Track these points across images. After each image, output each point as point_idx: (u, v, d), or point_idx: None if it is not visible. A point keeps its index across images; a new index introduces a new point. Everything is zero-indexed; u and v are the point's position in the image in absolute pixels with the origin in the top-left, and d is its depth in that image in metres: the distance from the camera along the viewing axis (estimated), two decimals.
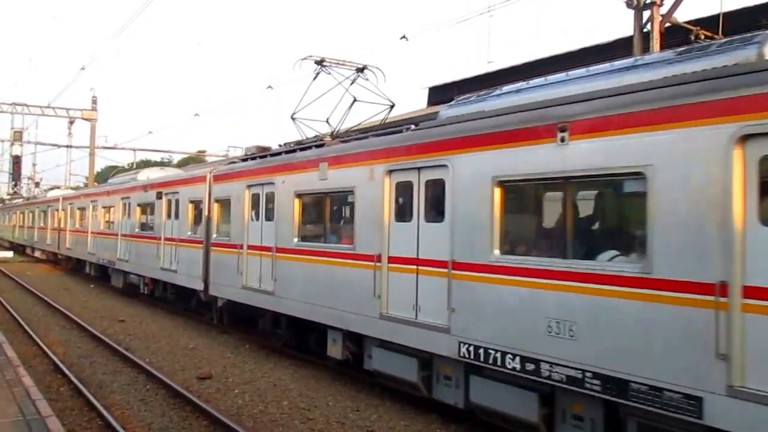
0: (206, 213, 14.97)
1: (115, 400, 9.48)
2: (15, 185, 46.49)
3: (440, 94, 20.68)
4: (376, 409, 9.08)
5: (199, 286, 15.10)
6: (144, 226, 19.51)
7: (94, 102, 42.47)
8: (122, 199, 21.16)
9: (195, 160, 45.43)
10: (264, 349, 13.04)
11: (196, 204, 15.73)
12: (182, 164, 48.94)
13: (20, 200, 48.48)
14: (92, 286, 24.67)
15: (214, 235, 14.58)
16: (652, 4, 8.24)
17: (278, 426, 8.37)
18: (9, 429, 6.96)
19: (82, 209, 26.83)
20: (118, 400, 9.45)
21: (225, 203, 14.14)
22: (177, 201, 16.73)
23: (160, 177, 19.81)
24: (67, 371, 10.75)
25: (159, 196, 17.75)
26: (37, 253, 38.48)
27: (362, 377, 10.39)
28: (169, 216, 17.21)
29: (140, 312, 18.09)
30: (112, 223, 22.34)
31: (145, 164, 52.67)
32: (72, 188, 45.42)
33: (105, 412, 8.51)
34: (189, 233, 15.86)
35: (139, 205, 19.72)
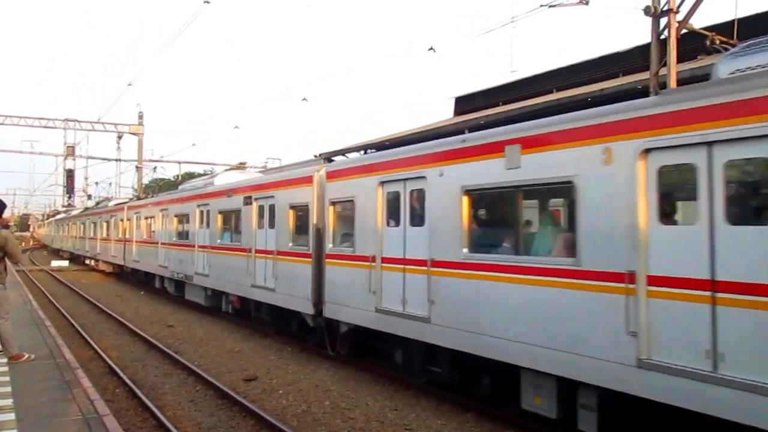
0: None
1: (167, 400, 9.99)
2: (69, 197, 48.42)
3: (466, 104, 20.71)
4: (413, 409, 9.34)
5: None
6: None
7: (141, 117, 43.87)
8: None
9: None
10: (305, 351, 13.45)
11: None
12: None
13: (149, 198, 28.48)
14: (142, 292, 25.65)
15: None
16: (669, 11, 8.25)
17: (320, 425, 8.71)
18: (71, 426, 7.47)
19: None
20: (170, 401, 9.96)
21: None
22: None
23: None
24: (121, 373, 11.35)
25: None
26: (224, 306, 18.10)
27: (400, 377, 10.67)
28: None
29: (188, 317, 18.80)
30: None
31: (189, 176, 53.35)
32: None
33: (158, 412, 9.00)
34: None
35: None
